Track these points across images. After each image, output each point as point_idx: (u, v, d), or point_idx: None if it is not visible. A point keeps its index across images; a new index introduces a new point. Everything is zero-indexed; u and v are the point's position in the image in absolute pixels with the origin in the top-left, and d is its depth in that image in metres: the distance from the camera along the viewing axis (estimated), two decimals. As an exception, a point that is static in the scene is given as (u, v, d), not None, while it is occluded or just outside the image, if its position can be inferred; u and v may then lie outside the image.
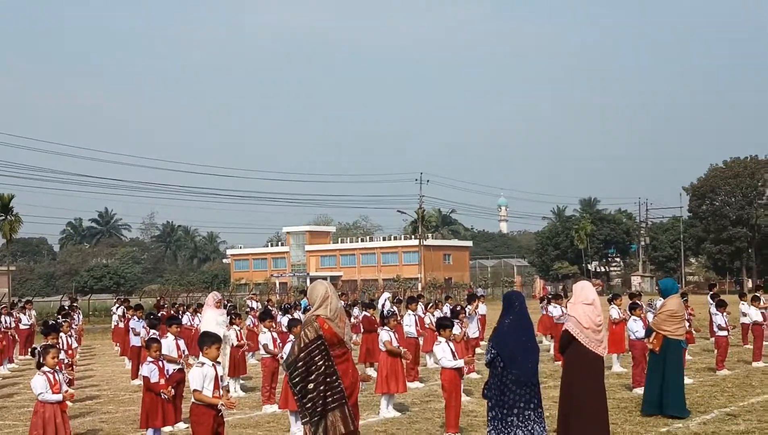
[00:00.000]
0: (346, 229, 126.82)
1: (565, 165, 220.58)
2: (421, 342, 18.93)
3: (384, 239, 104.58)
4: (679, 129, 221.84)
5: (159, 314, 21.64)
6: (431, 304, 21.59)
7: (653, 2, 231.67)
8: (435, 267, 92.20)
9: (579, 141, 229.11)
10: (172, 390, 11.25)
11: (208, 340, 8.41)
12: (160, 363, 11.36)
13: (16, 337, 24.76)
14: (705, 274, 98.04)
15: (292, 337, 11.88)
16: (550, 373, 17.02)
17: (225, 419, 8.48)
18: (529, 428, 8.53)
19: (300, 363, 7.74)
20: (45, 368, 9.62)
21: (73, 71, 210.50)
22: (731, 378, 16.23)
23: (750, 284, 77.58)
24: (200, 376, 8.11)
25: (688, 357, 17.29)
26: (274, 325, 15.29)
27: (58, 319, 20.25)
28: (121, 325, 25.75)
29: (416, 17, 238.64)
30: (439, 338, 11.15)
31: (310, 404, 7.68)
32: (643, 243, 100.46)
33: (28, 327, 26.05)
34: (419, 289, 68.94)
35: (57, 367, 9.82)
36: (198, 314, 21.87)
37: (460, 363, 10.96)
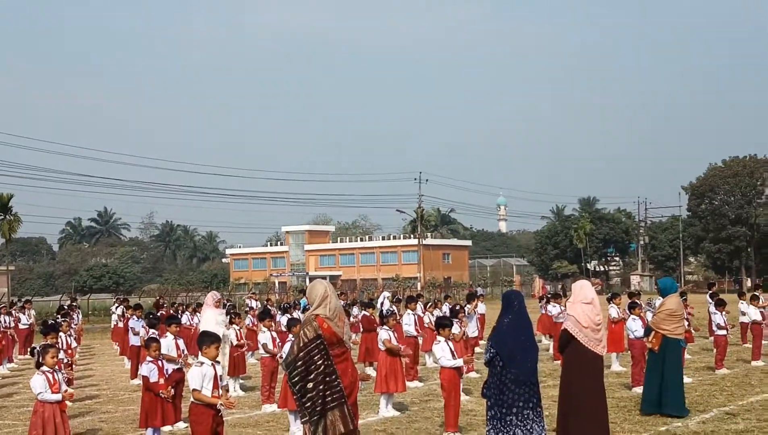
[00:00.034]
0: (345, 228, 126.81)
1: (565, 165, 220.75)
2: (420, 341, 18.93)
3: (383, 239, 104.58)
4: (679, 129, 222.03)
5: (158, 314, 21.63)
6: (430, 304, 21.58)
7: (653, 2, 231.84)
8: (434, 266, 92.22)
9: (579, 141, 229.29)
10: (172, 390, 11.26)
11: (207, 340, 8.42)
12: (159, 362, 11.37)
13: (15, 336, 24.76)
14: (704, 273, 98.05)
15: (291, 336, 11.89)
16: (549, 373, 17.03)
17: (224, 419, 8.49)
18: (528, 427, 8.53)
19: (299, 362, 7.74)
20: (44, 368, 9.62)
21: (73, 71, 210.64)
22: (730, 377, 16.25)
23: (749, 283, 77.62)
24: (199, 376, 8.11)
25: (687, 356, 17.30)
26: (273, 324, 15.31)
27: (58, 318, 20.25)
28: (121, 324, 25.76)
29: (416, 17, 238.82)
30: (438, 337, 11.15)
31: (309, 403, 7.68)
32: (642, 242, 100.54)
33: (27, 327, 26.04)
34: (418, 288, 68.94)
35: (56, 367, 9.83)
36: (197, 314, 21.87)
37: (460, 362, 10.96)
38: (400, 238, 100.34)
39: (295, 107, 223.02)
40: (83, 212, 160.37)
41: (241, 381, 16.69)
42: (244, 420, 12.99)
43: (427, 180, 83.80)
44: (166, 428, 11.45)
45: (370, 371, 17.30)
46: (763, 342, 19.40)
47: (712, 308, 19.90)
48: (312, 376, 7.68)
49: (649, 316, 15.69)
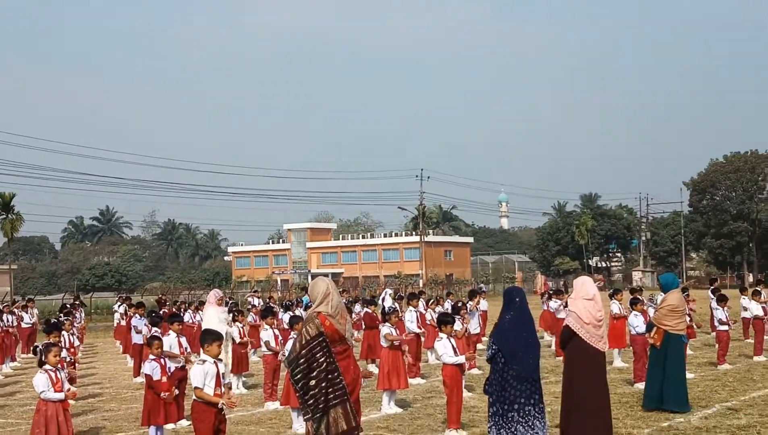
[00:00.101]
0: (347, 225, 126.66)
1: (566, 164, 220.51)
2: (422, 338, 18.93)
3: (385, 236, 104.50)
4: (679, 128, 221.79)
5: (161, 312, 21.67)
6: (432, 301, 21.60)
7: (653, 2, 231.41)
8: (436, 263, 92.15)
9: (579, 141, 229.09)
10: (176, 391, 11.26)
11: (209, 338, 8.43)
12: (161, 360, 11.37)
13: (18, 335, 24.78)
14: (706, 268, 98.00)
15: (293, 334, 11.90)
16: (551, 369, 17.06)
17: (227, 416, 8.50)
18: (530, 423, 8.55)
19: (302, 360, 7.75)
20: (47, 366, 9.63)
21: (73, 71, 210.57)
22: (732, 372, 16.25)
23: (751, 279, 77.47)
24: (201, 374, 8.12)
25: (689, 352, 17.31)
26: (275, 322, 15.32)
27: (60, 317, 20.28)
28: (123, 323, 25.81)
29: (416, 17, 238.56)
30: (441, 334, 11.15)
31: (311, 401, 7.69)
32: (643, 238, 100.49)
33: (30, 325, 26.08)
34: (420, 285, 68.94)
35: (59, 366, 9.84)
36: (200, 312, 21.89)
37: (462, 359, 10.96)
38: (401, 235, 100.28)
39: (295, 107, 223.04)
40: (85, 211, 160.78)
41: (243, 378, 16.72)
42: (246, 417, 13.01)
43: (428, 177, 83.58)
44: (169, 426, 11.46)
45: (373, 368, 17.31)
46: (765, 337, 19.40)
47: (714, 304, 19.90)
48: (314, 374, 7.69)
49: (650, 311, 15.69)
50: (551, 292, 25.33)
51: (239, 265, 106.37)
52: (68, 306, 28.31)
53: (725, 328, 17.61)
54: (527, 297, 9.30)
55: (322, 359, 7.72)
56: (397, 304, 21.21)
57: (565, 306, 17.18)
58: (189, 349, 13.13)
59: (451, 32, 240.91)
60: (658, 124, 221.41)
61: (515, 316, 8.78)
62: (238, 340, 16.19)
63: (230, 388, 9.15)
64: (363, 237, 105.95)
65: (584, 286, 9.57)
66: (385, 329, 13.57)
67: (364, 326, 19.41)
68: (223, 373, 8.44)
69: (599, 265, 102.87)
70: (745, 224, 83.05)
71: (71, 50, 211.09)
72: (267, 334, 14.23)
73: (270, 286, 72.49)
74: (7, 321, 23.65)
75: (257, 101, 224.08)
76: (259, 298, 35.23)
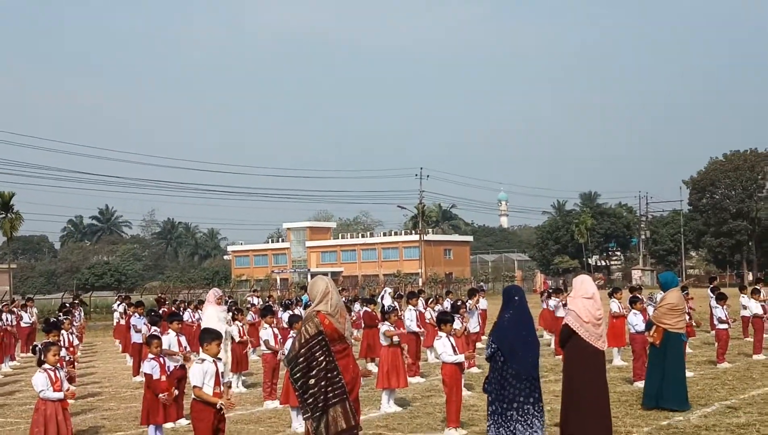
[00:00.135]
0: (346, 224, 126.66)
1: (566, 163, 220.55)
2: (422, 337, 18.93)
3: (384, 235, 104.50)
4: (679, 128, 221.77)
5: (160, 311, 21.66)
6: (432, 299, 21.60)
7: (653, 2, 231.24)
8: (435, 262, 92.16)
9: (579, 140, 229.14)
10: (176, 391, 11.25)
11: (209, 337, 8.43)
12: (161, 359, 11.37)
13: (17, 334, 24.78)
14: (705, 267, 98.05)
15: (293, 332, 11.90)
16: (550, 368, 17.05)
17: (226, 415, 8.49)
18: (529, 422, 8.55)
19: (301, 359, 7.74)
20: (46, 366, 9.62)
21: (73, 71, 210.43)
22: (732, 371, 16.25)
23: (750, 277, 77.50)
24: (200, 373, 8.12)
25: (688, 350, 17.30)
26: (275, 321, 15.32)
27: (59, 316, 20.27)
28: (123, 322, 25.80)
29: (416, 17, 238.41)
30: (440, 333, 11.14)
31: (311, 400, 7.69)
32: (643, 237, 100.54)
33: (29, 325, 26.07)
34: (420, 284, 68.95)
35: (58, 365, 9.83)
36: (199, 311, 21.88)
37: (461, 358, 10.96)
38: (401, 234, 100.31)
39: (295, 107, 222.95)
40: (85, 210, 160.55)
41: (243, 377, 16.72)
42: (246, 416, 13.01)
43: (428, 176, 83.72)
44: (168, 425, 11.46)
45: (372, 367, 17.31)
46: (765, 336, 19.40)
47: (713, 302, 19.90)
48: (314, 373, 7.69)
49: (650, 310, 15.69)
50: (551, 290, 25.35)
51: (239, 264, 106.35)
52: (67, 305, 28.30)
53: (725, 326, 17.61)
54: (526, 296, 9.31)
55: (322, 358, 7.72)
56: (396, 303, 21.17)
57: (565, 305, 17.19)
58: (188, 348, 13.13)
59: (451, 32, 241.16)
60: (658, 124, 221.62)
61: (515, 315, 8.78)
62: (237, 339, 16.18)
63: (230, 387, 9.15)
64: (362, 236, 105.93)
65: (584, 284, 9.57)
66: (385, 328, 13.58)
67: (363, 325, 19.41)
68: (222, 372, 8.44)
69: (599, 264, 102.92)
70: (744, 223, 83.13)
71: (71, 50, 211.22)
72: (266, 333, 14.22)
73: (269, 285, 72.49)
74: (7, 320, 23.66)
75: (257, 101, 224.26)
76: (258, 297, 35.24)
